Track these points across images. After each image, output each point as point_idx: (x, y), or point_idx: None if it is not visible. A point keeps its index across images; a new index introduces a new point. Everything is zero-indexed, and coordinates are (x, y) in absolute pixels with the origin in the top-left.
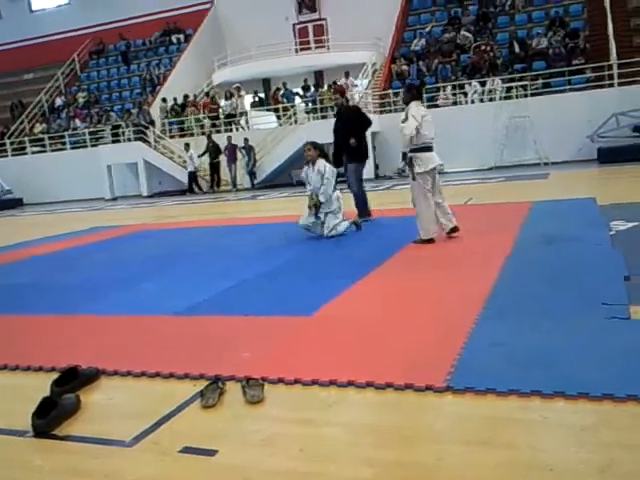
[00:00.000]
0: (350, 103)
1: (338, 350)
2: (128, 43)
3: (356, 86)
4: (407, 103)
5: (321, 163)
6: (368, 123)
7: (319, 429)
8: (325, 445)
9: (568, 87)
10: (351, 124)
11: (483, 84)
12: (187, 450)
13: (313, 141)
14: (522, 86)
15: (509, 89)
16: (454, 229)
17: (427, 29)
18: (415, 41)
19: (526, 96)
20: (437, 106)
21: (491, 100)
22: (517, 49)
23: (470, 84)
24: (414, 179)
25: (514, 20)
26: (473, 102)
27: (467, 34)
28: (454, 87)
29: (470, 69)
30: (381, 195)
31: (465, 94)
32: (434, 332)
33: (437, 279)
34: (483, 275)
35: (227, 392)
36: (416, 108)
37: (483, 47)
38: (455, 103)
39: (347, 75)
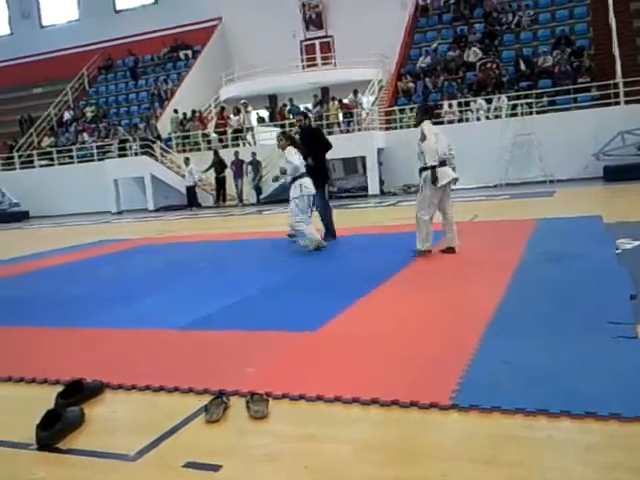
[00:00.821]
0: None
1: (343, 366)
2: (136, 59)
3: (361, 104)
4: (419, 123)
5: (288, 150)
6: (328, 145)
7: (324, 445)
8: (330, 462)
9: (574, 105)
10: (309, 145)
11: (489, 101)
12: (191, 465)
13: (284, 130)
14: (528, 104)
15: (515, 106)
16: (450, 249)
17: (433, 46)
18: (421, 58)
19: (532, 114)
20: (442, 123)
21: (497, 117)
22: (523, 67)
23: (476, 101)
24: (435, 182)
25: (520, 38)
26: (479, 119)
27: (477, 50)
28: (460, 104)
29: (476, 86)
30: (386, 211)
31: (471, 111)
32: (439, 349)
33: (442, 296)
34: (489, 292)
35: (231, 407)
36: (429, 127)
37: (489, 65)
38: (461, 120)
39: (355, 93)
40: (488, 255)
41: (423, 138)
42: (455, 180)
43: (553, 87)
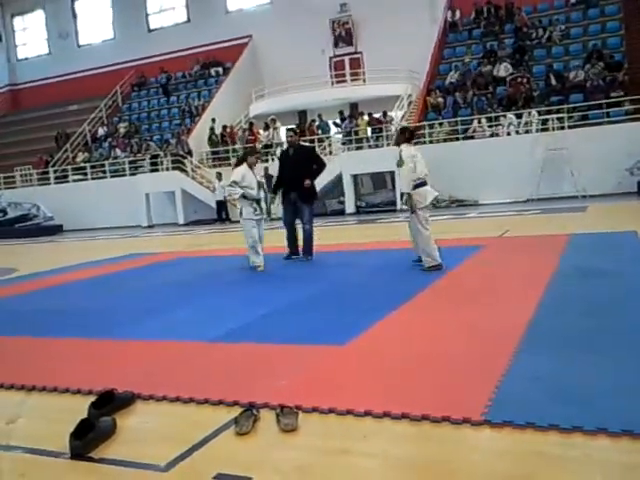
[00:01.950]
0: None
1: (373, 380)
2: (169, 75)
3: (390, 121)
4: (398, 144)
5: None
6: (323, 165)
7: (354, 460)
8: (359, 476)
9: (606, 120)
10: (308, 165)
11: (519, 116)
12: (221, 477)
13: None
14: (559, 118)
15: (545, 121)
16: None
17: (463, 62)
18: (451, 73)
19: (563, 128)
20: (472, 138)
21: (527, 132)
22: (554, 81)
23: (505, 116)
24: (413, 212)
25: (551, 53)
26: (509, 134)
27: (508, 65)
28: (490, 119)
29: (506, 101)
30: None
31: (501, 126)
32: (471, 364)
33: (474, 310)
34: (521, 307)
35: (261, 420)
36: (407, 150)
37: (519, 79)
38: (492, 135)
39: (385, 114)
40: (519, 270)
41: (400, 163)
42: (436, 197)
43: (585, 102)
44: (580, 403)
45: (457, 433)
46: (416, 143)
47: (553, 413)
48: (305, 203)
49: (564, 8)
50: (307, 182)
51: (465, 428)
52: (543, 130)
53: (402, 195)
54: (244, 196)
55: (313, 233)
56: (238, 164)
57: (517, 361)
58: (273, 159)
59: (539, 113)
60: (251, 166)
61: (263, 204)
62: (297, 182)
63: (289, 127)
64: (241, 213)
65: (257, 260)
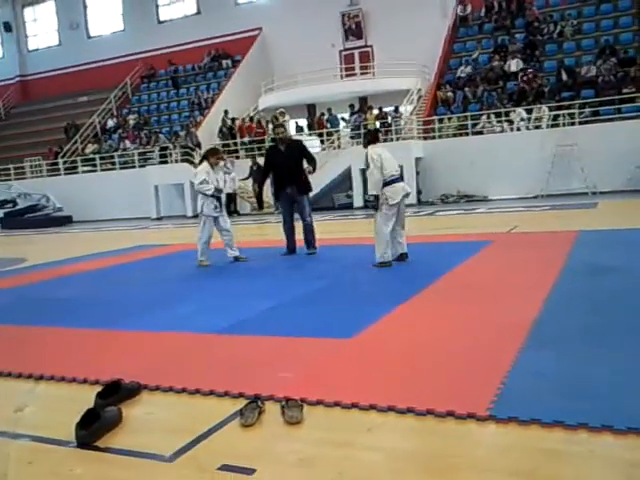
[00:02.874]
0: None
1: (378, 374)
2: (176, 68)
3: (400, 115)
4: (365, 147)
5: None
6: (313, 159)
7: (358, 453)
8: (364, 469)
9: (618, 116)
10: (301, 159)
11: (529, 112)
12: (225, 468)
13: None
14: (570, 114)
15: (556, 117)
16: (403, 255)
17: (473, 56)
18: (461, 68)
19: (573, 124)
20: (482, 133)
21: (537, 128)
22: (565, 77)
23: (515, 111)
24: (376, 210)
25: (562, 48)
26: (519, 129)
27: (518, 60)
28: (499, 114)
29: (516, 96)
30: (423, 221)
31: (511, 121)
32: (476, 359)
33: (480, 306)
34: (527, 304)
35: (266, 412)
36: (372, 151)
37: (530, 75)
38: (502, 130)
39: (396, 109)
40: (527, 266)
41: (367, 166)
42: (408, 194)
43: (596, 97)
44: (586, 399)
45: (462, 428)
46: (425, 138)
47: (558, 409)
48: (303, 195)
49: (576, 3)
50: (309, 168)
51: (470, 423)
52: (553, 126)
53: (367, 197)
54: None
55: (314, 226)
56: (200, 162)
57: (523, 357)
58: None
59: (550, 109)
60: (212, 165)
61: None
62: (293, 176)
63: (277, 123)
64: (202, 210)
65: (202, 258)
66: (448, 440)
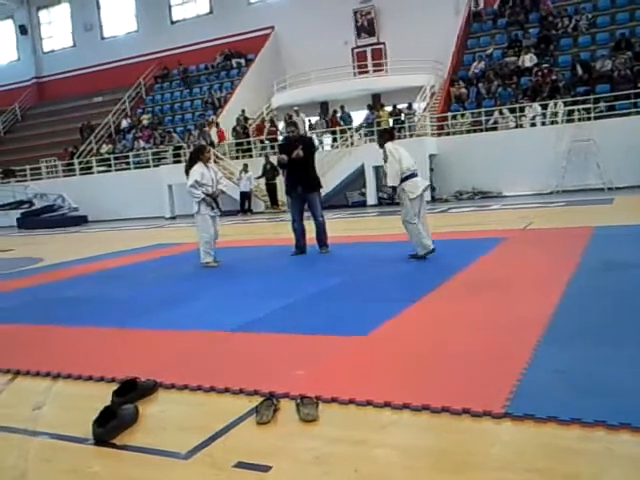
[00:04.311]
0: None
1: (393, 371)
2: (185, 68)
3: (413, 113)
4: (382, 145)
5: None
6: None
7: (373, 450)
8: (379, 467)
9: (634, 110)
10: (311, 155)
11: (544, 107)
12: (241, 465)
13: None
14: (585, 109)
15: (571, 112)
16: (431, 250)
17: (487, 52)
18: (474, 64)
19: (589, 119)
20: (496, 129)
21: (552, 123)
22: (580, 72)
23: (531, 107)
24: (403, 204)
25: (577, 42)
26: (534, 125)
27: (532, 55)
28: (514, 110)
29: (531, 92)
30: (437, 218)
31: (524, 117)
32: (492, 356)
33: (495, 303)
34: (543, 300)
35: (281, 409)
36: (392, 147)
37: (544, 70)
38: (516, 126)
39: (410, 106)
40: (542, 263)
41: (386, 159)
42: (427, 187)
43: (612, 92)
44: (603, 397)
45: (477, 425)
46: (439, 134)
47: (575, 407)
48: (313, 192)
49: None
50: (299, 153)
51: (486, 421)
52: (568, 121)
53: (394, 189)
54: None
55: (326, 224)
56: (191, 163)
57: (539, 353)
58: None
59: (565, 104)
60: (206, 163)
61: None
62: (304, 174)
63: (290, 121)
64: (198, 210)
65: (208, 259)
66: (464, 437)
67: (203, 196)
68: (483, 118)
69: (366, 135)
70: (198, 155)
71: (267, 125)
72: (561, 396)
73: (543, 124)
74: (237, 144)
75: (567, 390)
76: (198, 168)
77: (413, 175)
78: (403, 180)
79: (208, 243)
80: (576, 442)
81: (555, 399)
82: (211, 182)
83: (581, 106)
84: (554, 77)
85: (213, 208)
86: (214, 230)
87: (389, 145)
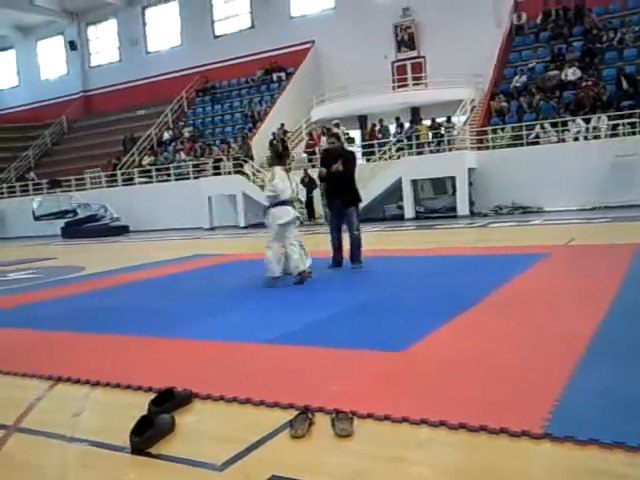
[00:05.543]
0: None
1: (429, 388)
2: (213, 85)
3: (453, 126)
4: (271, 165)
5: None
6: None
7: (409, 468)
8: None
9: None
10: (351, 170)
11: (587, 121)
12: (275, 479)
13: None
14: (630, 123)
15: (615, 126)
16: (304, 272)
17: (529, 65)
18: (516, 77)
19: (634, 134)
20: (537, 143)
21: (595, 138)
22: (625, 85)
23: (574, 121)
24: (270, 227)
25: (622, 56)
26: (577, 139)
27: (576, 69)
28: (556, 124)
29: (573, 106)
30: (476, 232)
31: (567, 131)
32: (532, 374)
33: (537, 319)
34: (586, 317)
35: (316, 424)
36: (279, 170)
37: (588, 83)
38: (561, 140)
39: (449, 119)
40: (586, 279)
41: (272, 179)
42: (296, 218)
43: None
44: None
45: (515, 446)
46: (479, 148)
47: (619, 430)
48: (351, 206)
49: (638, 9)
50: (339, 167)
51: (524, 441)
52: (612, 135)
53: (265, 209)
54: (281, 202)
55: (362, 240)
56: (274, 162)
57: (581, 373)
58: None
59: (609, 118)
60: (287, 170)
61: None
62: (343, 188)
63: (331, 133)
64: (269, 218)
65: (306, 265)
66: (501, 458)
67: (280, 199)
68: (524, 132)
69: (401, 149)
70: (280, 158)
71: (306, 138)
72: (603, 418)
73: (586, 138)
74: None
75: (610, 411)
76: (278, 174)
77: (285, 203)
78: (274, 205)
79: (301, 248)
80: (620, 467)
81: (597, 421)
82: (289, 191)
83: (626, 120)
84: (597, 90)
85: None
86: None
87: (277, 168)
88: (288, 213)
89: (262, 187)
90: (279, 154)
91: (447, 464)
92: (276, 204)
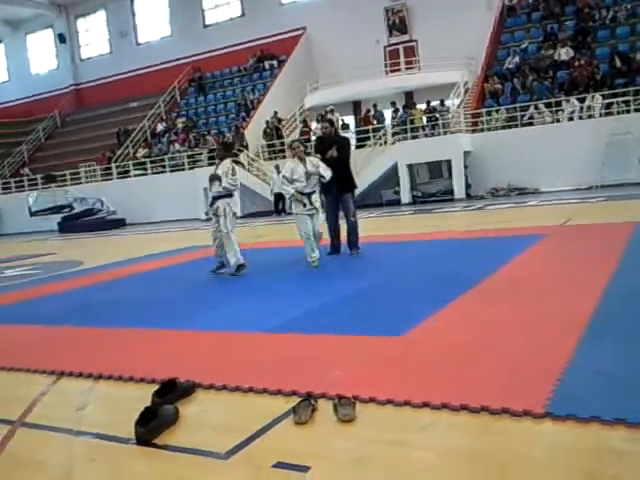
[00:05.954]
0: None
1: (430, 371)
2: (201, 75)
3: (447, 109)
4: (222, 159)
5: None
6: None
7: (412, 451)
8: (417, 468)
9: None
10: (346, 156)
11: (581, 101)
12: (280, 465)
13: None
14: (624, 102)
15: (609, 105)
16: (241, 266)
17: (522, 46)
18: (509, 59)
19: (628, 112)
20: (532, 124)
21: (590, 117)
22: (618, 63)
23: (568, 101)
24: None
25: (615, 34)
26: (571, 119)
27: (569, 49)
28: (550, 105)
29: (567, 86)
30: (473, 215)
31: (562, 111)
32: (530, 356)
33: (535, 301)
34: (584, 298)
35: (319, 410)
36: (228, 163)
37: (581, 63)
38: (553, 121)
39: (442, 103)
40: (583, 259)
41: (234, 173)
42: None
43: None
44: None
45: (517, 425)
46: (474, 131)
47: (620, 407)
48: (347, 192)
49: None
50: (333, 153)
51: (526, 420)
52: (607, 114)
53: (213, 200)
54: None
55: (358, 225)
56: (224, 157)
57: (581, 352)
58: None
59: (603, 97)
60: (301, 158)
61: (317, 197)
62: (338, 174)
63: (326, 118)
64: (291, 208)
65: (313, 255)
66: (504, 438)
67: (292, 191)
68: (518, 114)
69: (398, 133)
70: (228, 150)
71: (300, 125)
72: (604, 395)
73: (580, 118)
74: (269, 145)
75: (609, 390)
76: (289, 164)
77: (230, 195)
78: (225, 197)
79: (308, 240)
80: (621, 443)
81: (598, 398)
82: (303, 177)
83: (620, 99)
84: (591, 69)
85: (305, 205)
86: (311, 227)
87: (227, 162)
88: (236, 204)
89: (257, 176)
90: (227, 145)
91: (450, 446)
92: (228, 195)
